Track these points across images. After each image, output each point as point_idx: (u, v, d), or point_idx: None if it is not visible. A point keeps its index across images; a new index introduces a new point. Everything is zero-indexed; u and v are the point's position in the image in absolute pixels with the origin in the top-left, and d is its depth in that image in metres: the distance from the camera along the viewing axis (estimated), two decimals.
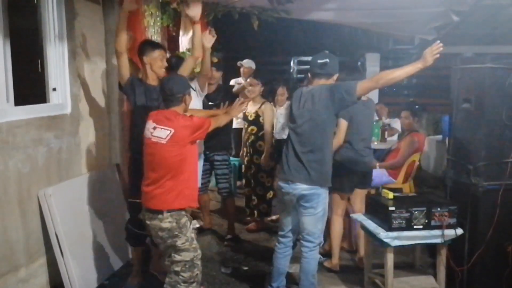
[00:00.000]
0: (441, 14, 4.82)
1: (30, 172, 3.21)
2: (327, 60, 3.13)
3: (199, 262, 2.94)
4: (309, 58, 8.68)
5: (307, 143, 3.08)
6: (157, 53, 3.41)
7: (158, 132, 2.84)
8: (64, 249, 3.33)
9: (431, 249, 3.68)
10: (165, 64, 3.54)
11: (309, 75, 3.32)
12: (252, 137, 4.79)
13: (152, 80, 3.45)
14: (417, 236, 3.06)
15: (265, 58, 8.43)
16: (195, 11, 3.44)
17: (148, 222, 2.92)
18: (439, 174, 6.73)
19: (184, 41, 5.63)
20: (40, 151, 3.31)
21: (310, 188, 3.06)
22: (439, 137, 7.18)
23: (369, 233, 3.27)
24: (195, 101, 4.06)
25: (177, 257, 2.87)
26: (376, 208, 3.23)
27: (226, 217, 4.87)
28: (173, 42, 5.61)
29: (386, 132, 6.12)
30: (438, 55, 2.80)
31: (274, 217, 5.24)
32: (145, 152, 2.96)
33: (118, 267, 3.88)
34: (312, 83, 3.25)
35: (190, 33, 5.60)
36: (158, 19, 5.00)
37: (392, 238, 3.01)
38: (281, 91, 4.95)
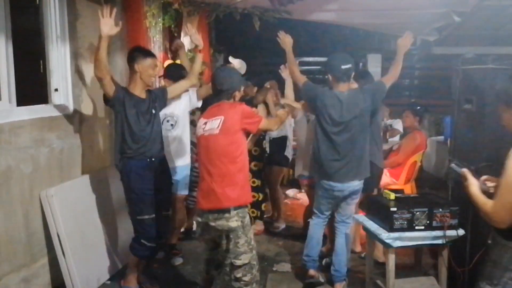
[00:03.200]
0: (443, 15, 4.82)
1: (32, 173, 3.22)
2: (350, 65, 3.36)
3: (255, 262, 2.90)
4: (310, 59, 8.66)
5: (356, 144, 3.35)
6: (148, 61, 3.35)
7: (209, 124, 2.85)
8: (66, 249, 3.33)
9: (432, 250, 3.68)
10: (156, 72, 3.48)
11: (330, 77, 3.43)
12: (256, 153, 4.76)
13: (140, 92, 3.39)
14: (419, 237, 3.05)
15: (266, 59, 8.42)
16: (199, 39, 3.59)
17: (212, 224, 2.81)
18: (440, 175, 6.72)
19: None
20: (42, 151, 3.32)
21: (360, 183, 3.43)
22: (441, 138, 7.18)
23: (370, 234, 3.27)
24: (182, 107, 3.99)
25: (238, 262, 2.81)
26: (377, 209, 3.22)
27: None
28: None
29: (388, 133, 6.12)
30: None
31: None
32: (198, 151, 2.98)
33: (119, 268, 3.88)
34: (337, 86, 3.39)
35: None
36: (159, 20, 5.01)
37: (394, 239, 3.01)
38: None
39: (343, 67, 3.32)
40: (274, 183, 5.02)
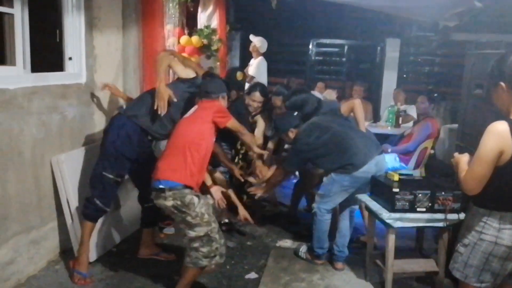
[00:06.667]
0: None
1: (44, 138, 3.31)
2: (296, 113, 3.74)
3: (217, 236, 2.88)
4: (328, 41, 8.54)
5: (353, 130, 3.58)
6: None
7: (188, 113, 3.08)
8: (74, 214, 3.44)
9: (436, 235, 3.68)
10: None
11: (293, 131, 3.65)
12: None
13: None
14: (420, 219, 3.05)
15: (283, 39, 8.38)
16: None
17: (155, 201, 2.92)
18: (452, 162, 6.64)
19: (202, 18, 5.65)
20: (54, 118, 3.40)
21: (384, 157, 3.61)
22: (455, 126, 7.08)
23: (372, 214, 3.29)
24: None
25: (192, 233, 2.85)
26: (380, 189, 3.23)
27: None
28: (191, 18, 5.63)
29: (401, 118, 6.09)
30: None
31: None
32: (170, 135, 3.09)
33: (126, 235, 3.99)
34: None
35: (209, 10, 5.65)
36: None
37: (395, 219, 3.02)
38: (278, 103, 4.38)
39: (295, 114, 3.67)
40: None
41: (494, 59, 2.09)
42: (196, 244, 2.85)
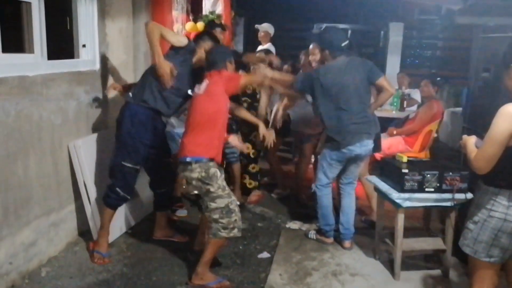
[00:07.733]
0: None
1: (62, 124, 3.39)
2: (348, 41, 3.62)
3: (236, 209, 3.03)
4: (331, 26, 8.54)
5: (365, 104, 3.57)
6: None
7: (199, 88, 3.10)
8: (92, 197, 3.55)
9: (443, 216, 3.78)
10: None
11: (328, 52, 3.60)
12: (246, 104, 4.61)
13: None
14: (428, 199, 3.15)
15: (287, 24, 8.41)
16: None
17: (181, 173, 3.07)
18: (457, 147, 6.73)
19: (207, 4, 5.68)
20: (71, 104, 3.48)
21: (372, 143, 3.56)
22: (459, 109, 7.16)
23: (382, 194, 3.39)
24: None
25: (213, 205, 2.99)
26: (390, 170, 3.33)
27: (230, 183, 4.43)
28: (196, 4, 5.67)
29: (405, 102, 6.16)
30: None
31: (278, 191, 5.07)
32: (188, 111, 3.17)
33: (140, 218, 4.11)
34: (335, 60, 3.57)
35: None
36: None
37: (404, 199, 3.12)
38: (287, 69, 4.87)
39: (343, 44, 3.54)
40: (270, 150, 4.72)
41: (503, 42, 2.16)
42: (216, 215, 2.99)
